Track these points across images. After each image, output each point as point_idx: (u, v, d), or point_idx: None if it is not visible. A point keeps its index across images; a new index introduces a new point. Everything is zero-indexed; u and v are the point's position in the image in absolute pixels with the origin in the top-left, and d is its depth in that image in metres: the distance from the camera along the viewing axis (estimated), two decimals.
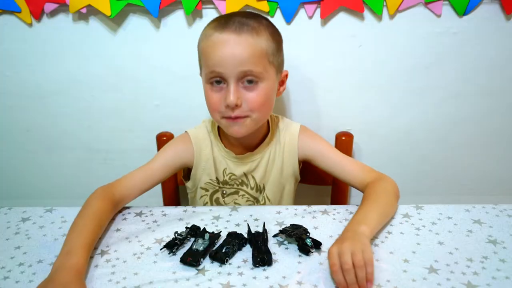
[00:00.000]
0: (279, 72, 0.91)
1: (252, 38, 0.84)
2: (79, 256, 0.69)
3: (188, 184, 1.02)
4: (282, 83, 0.94)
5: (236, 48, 0.83)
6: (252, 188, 0.99)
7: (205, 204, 1.01)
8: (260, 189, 0.99)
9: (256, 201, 1.01)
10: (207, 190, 1.00)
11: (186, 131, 0.98)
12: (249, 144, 0.96)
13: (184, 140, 0.97)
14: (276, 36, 0.89)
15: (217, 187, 0.99)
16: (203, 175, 0.98)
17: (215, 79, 0.85)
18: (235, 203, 1.00)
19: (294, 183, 1.03)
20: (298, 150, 0.97)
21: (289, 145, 0.97)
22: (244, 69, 0.83)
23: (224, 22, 0.85)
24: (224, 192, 1.00)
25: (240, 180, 0.98)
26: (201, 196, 1.01)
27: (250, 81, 0.84)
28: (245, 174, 0.98)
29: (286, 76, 0.95)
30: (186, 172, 1.03)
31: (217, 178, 0.98)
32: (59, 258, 0.69)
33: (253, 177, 0.98)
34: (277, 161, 0.98)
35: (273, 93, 0.90)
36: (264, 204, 1.00)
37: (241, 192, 1.00)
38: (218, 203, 1.01)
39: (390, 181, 0.88)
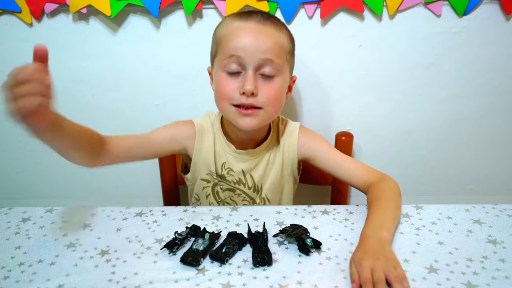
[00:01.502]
0: (290, 75, 0.91)
1: (276, 31, 0.84)
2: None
3: (188, 175, 1.01)
4: (289, 88, 0.94)
5: (260, 35, 0.82)
6: (249, 188, 0.99)
7: (207, 196, 1.00)
8: (257, 189, 0.99)
9: (252, 202, 1.00)
10: (208, 182, 0.99)
11: (190, 120, 0.98)
12: (251, 142, 0.96)
13: (189, 125, 0.96)
14: (292, 40, 0.90)
15: (216, 181, 0.99)
16: (203, 167, 0.97)
17: (232, 65, 0.83)
18: (231, 199, 1.00)
19: (293, 183, 1.02)
20: (298, 150, 0.97)
21: (289, 145, 0.97)
22: (265, 57, 0.82)
23: (246, 14, 0.86)
24: (222, 186, 1.00)
25: (237, 178, 0.98)
26: (203, 188, 1.00)
27: (267, 74, 0.84)
28: (243, 172, 0.97)
29: (294, 81, 0.95)
30: (184, 167, 1.03)
31: (216, 171, 0.98)
32: None
33: (251, 176, 0.98)
34: (277, 161, 0.98)
35: (285, 93, 0.90)
36: (264, 204, 1.00)
37: (238, 191, 1.00)
38: (218, 196, 1.00)
39: (393, 181, 0.88)
